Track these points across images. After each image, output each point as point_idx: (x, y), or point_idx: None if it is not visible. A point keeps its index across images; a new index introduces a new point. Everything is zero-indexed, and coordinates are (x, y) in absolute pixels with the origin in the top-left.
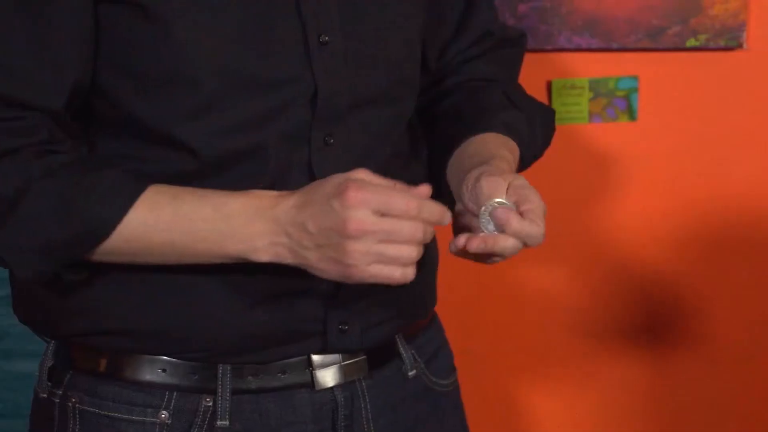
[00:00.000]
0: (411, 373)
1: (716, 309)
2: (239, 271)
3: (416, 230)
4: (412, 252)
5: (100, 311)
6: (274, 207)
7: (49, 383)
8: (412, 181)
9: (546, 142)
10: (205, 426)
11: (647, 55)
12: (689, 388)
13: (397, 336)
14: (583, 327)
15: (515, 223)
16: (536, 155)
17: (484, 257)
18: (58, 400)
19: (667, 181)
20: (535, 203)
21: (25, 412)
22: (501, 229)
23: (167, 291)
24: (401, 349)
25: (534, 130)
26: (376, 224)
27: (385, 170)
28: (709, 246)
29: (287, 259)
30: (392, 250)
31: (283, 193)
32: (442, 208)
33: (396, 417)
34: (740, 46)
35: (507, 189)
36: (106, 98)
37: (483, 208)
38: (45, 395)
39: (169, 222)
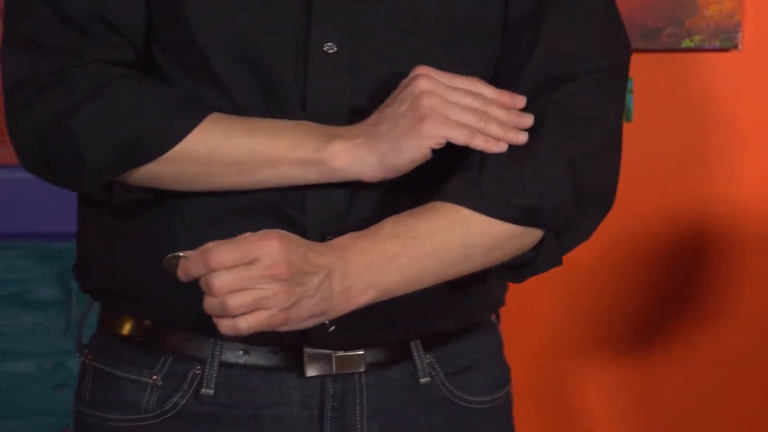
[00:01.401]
0: (423, 380)
1: (715, 309)
2: None
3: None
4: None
5: (112, 272)
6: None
7: (82, 342)
8: (432, 198)
9: (554, 195)
10: (191, 392)
11: (642, 55)
12: (689, 388)
13: (412, 342)
14: (582, 327)
15: None
16: (539, 212)
17: None
18: (83, 358)
19: (662, 181)
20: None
21: (20, 412)
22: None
23: (155, 259)
24: (414, 354)
25: (503, 184)
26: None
27: (393, 185)
28: (704, 246)
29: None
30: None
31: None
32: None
33: (400, 420)
34: (735, 46)
35: None
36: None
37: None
38: (78, 354)
39: (247, 129)
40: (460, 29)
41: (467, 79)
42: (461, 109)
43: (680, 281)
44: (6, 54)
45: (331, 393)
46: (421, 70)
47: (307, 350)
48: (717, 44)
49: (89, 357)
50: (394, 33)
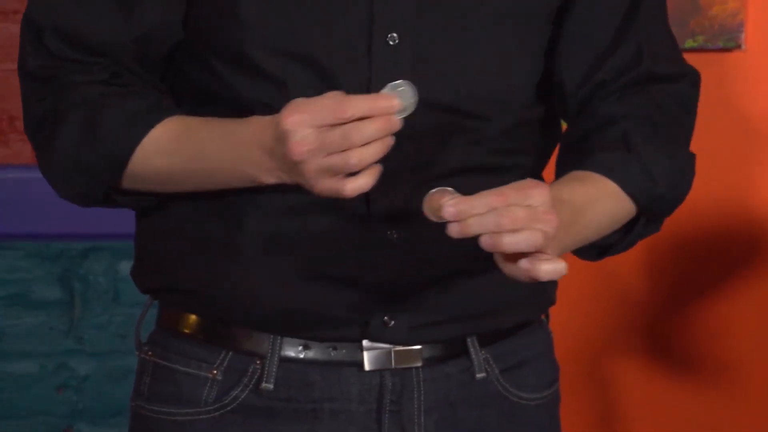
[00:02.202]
0: (479, 375)
1: (715, 310)
2: (290, 254)
3: (349, 133)
4: (352, 156)
5: (172, 271)
6: (261, 133)
7: (141, 341)
8: None
9: (677, 187)
10: (251, 386)
11: None
12: (689, 388)
13: (468, 338)
14: (581, 327)
15: (446, 201)
16: (664, 201)
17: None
18: (142, 356)
19: None
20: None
21: (22, 413)
22: (439, 212)
23: (222, 259)
24: (471, 349)
25: (649, 171)
26: (312, 141)
27: (456, 179)
28: (706, 247)
29: (287, 180)
30: (335, 160)
31: (275, 118)
32: (380, 100)
33: (454, 415)
34: (738, 46)
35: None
36: (196, 65)
37: (425, 197)
38: (137, 352)
39: (184, 150)
40: (520, 14)
41: (331, 103)
42: (338, 157)
43: (682, 281)
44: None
45: (390, 387)
46: (289, 121)
47: (366, 344)
48: (720, 44)
49: (149, 353)
50: (454, 20)
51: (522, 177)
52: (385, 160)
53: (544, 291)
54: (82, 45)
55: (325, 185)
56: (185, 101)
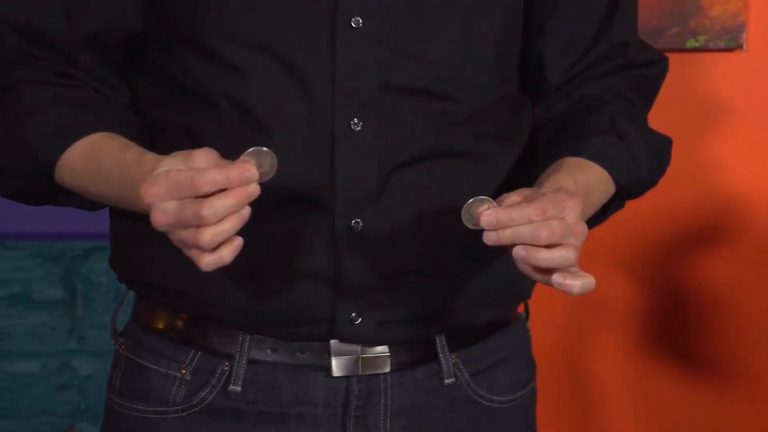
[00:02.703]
0: (448, 381)
1: (716, 309)
2: (256, 250)
3: (202, 210)
4: (203, 235)
5: (144, 264)
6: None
7: (117, 330)
8: (474, 186)
9: (656, 171)
10: (218, 388)
11: None
12: (689, 388)
13: (437, 339)
14: (581, 327)
15: (487, 210)
16: (642, 184)
17: (544, 272)
18: (116, 348)
19: (667, 181)
20: (534, 200)
21: (24, 413)
22: (477, 222)
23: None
24: (440, 354)
25: (635, 158)
26: (170, 215)
27: (426, 164)
28: (708, 246)
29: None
30: (188, 235)
31: (153, 165)
32: (236, 172)
33: (422, 420)
34: (740, 46)
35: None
36: (163, 55)
37: (464, 206)
38: (113, 341)
39: (93, 175)
40: None
41: (186, 177)
42: (189, 233)
43: (687, 279)
44: None
45: (356, 392)
46: (148, 194)
47: (334, 348)
48: (721, 44)
49: (123, 347)
50: (418, 0)
51: (497, 167)
52: (350, 148)
53: (518, 285)
54: (32, 37)
55: (187, 253)
56: (158, 91)
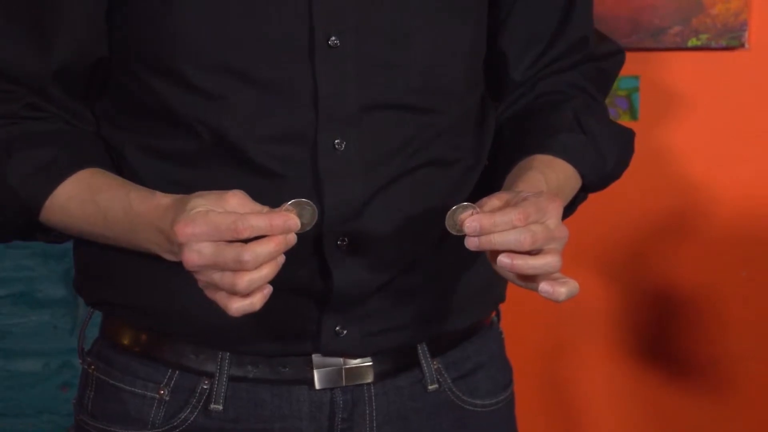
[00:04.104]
0: (431, 387)
1: (717, 308)
2: None
3: (243, 256)
4: (240, 280)
5: (118, 284)
6: (159, 220)
7: (83, 349)
8: (450, 191)
9: (620, 165)
10: (200, 407)
11: (649, 54)
12: (688, 388)
13: (419, 346)
14: (582, 326)
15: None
16: (607, 178)
17: (527, 278)
18: (85, 366)
19: (669, 180)
20: (518, 206)
21: (27, 411)
22: (461, 228)
23: (171, 273)
24: (422, 361)
25: (601, 153)
26: (206, 257)
27: (410, 178)
28: (711, 245)
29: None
30: (224, 278)
31: (171, 203)
32: (278, 220)
33: (408, 428)
34: (742, 45)
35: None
36: (131, 80)
37: (448, 212)
38: (80, 361)
39: (90, 215)
40: (455, 1)
41: (228, 220)
42: (225, 276)
43: (685, 279)
44: None
45: (341, 404)
46: (184, 233)
47: (317, 361)
48: (723, 43)
49: (92, 367)
50: (392, 14)
51: (473, 171)
52: (336, 167)
53: (494, 290)
54: None
55: (213, 296)
56: (124, 114)
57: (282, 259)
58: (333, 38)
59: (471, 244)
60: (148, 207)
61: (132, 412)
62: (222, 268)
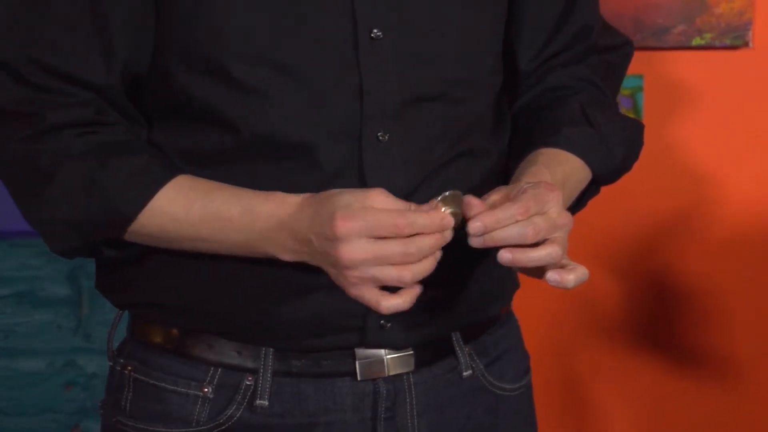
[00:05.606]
0: (466, 374)
1: (718, 308)
2: (277, 264)
3: (409, 249)
4: (407, 272)
5: (152, 285)
6: (291, 218)
7: (115, 351)
8: (484, 181)
9: (629, 157)
10: (245, 403)
11: (652, 53)
12: (693, 384)
13: (453, 334)
14: (582, 326)
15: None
16: (617, 171)
17: (535, 271)
18: (119, 368)
19: (673, 179)
20: (517, 199)
21: (30, 410)
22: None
23: (210, 273)
24: (456, 348)
25: (609, 146)
26: (368, 251)
27: (448, 169)
28: (713, 245)
29: (310, 262)
30: (387, 272)
31: (306, 201)
32: (437, 218)
33: (444, 415)
34: (746, 44)
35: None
36: (166, 80)
37: (439, 198)
38: (111, 363)
39: (198, 217)
40: None
41: (390, 217)
42: (387, 270)
43: (690, 278)
44: None
45: (384, 394)
46: (345, 226)
47: (359, 353)
48: (727, 42)
49: (128, 368)
50: (428, 6)
51: (498, 161)
52: (379, 159)
53: (515, 276)
54: (67, 77)
55: (362, 293)
56: (155, 117)
57: (439, 254)
58: (375, 31)
59: (475, 243)
60: (274, 206)
61: (174, 410)
62: (385, 262)
